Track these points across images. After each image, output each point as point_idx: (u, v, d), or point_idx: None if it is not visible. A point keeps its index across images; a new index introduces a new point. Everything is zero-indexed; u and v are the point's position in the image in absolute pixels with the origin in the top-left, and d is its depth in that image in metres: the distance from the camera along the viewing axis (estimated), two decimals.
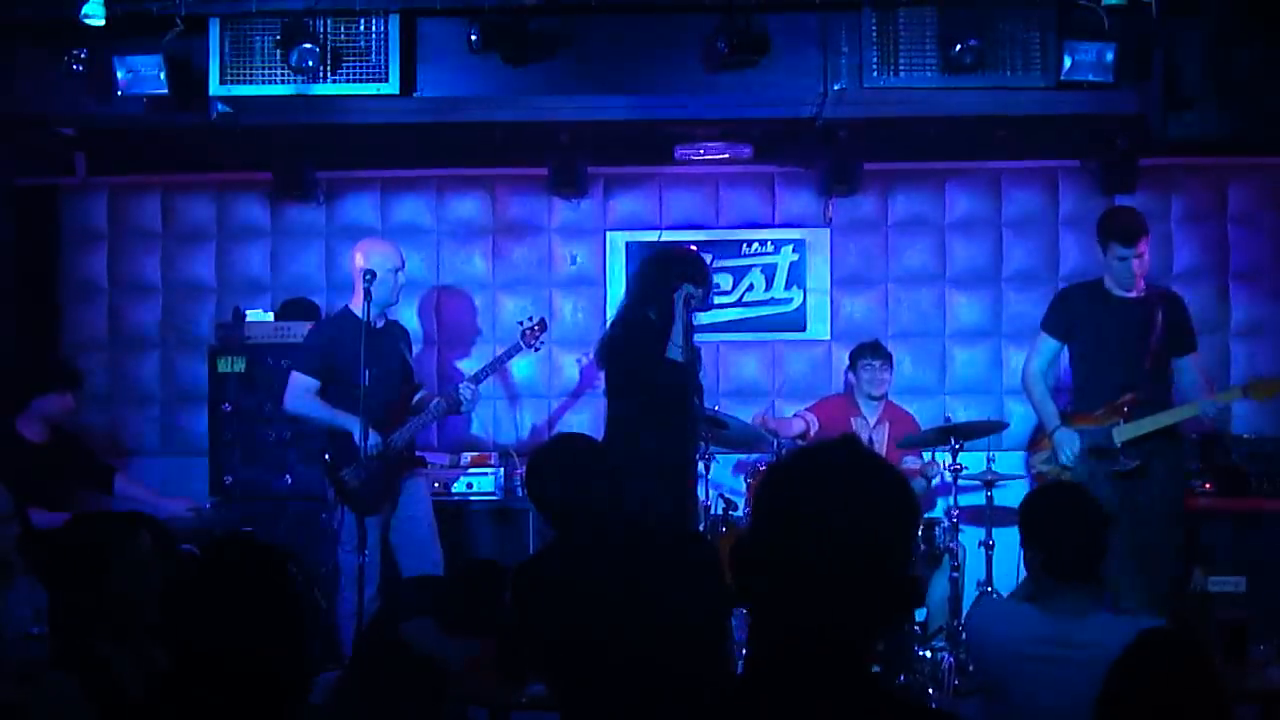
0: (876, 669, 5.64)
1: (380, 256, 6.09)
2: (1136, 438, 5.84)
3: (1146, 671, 2.49)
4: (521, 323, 6.36)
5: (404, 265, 6.24)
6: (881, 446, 6.83)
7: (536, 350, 6.49)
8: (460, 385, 6.20)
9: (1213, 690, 2.51)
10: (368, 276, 5.86)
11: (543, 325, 6.35)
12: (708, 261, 6.45)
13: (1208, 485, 6.64)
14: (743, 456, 7.25)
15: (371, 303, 5.90)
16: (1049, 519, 3.59)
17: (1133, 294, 5.98)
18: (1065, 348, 6.16)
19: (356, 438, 5.82)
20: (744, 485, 6.98)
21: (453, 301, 7.67)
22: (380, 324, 6.10)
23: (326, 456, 5.98)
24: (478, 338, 7.64)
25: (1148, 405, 5.88)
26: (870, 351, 7.04)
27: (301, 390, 6.03)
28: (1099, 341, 6.02)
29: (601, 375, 6.10)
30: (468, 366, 7.33)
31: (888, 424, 6.98)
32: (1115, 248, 5.90)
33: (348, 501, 5.91)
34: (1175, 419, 5.90)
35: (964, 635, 5.11)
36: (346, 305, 6.18)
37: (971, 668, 5.11)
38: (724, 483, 7.11)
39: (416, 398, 6.32)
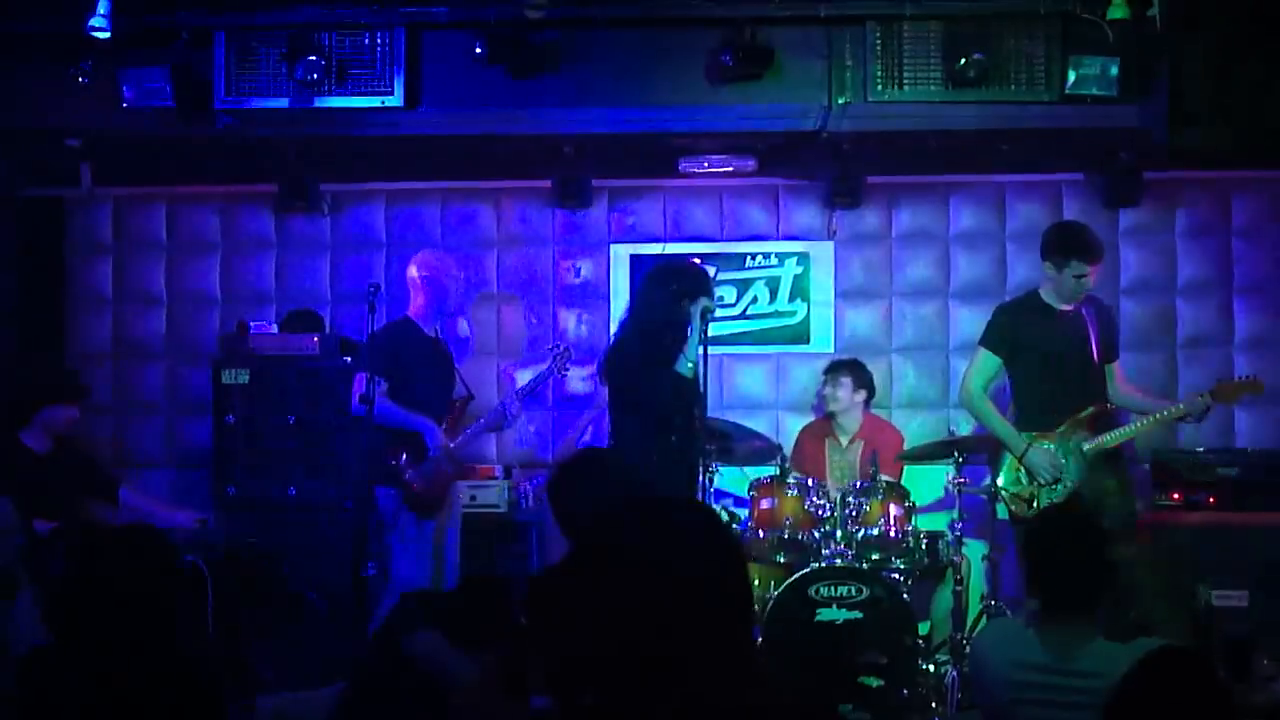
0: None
1: (439, 266, 6.32)
2: (1106, 449, 5.88)
3: (1152, 688, 2.49)
4: (552, 348, 6.56)
5: (462, 274, 6.47)
6: (854, 467, 6.78)
7: (563, 376, 6.73)
8: (506, 401, 6.37)
9: (1219, 705, 2.51)
10: (371, 289, 5.98)
11: (568, 353, 6.56)
12: (711, 274, 6.47)
13: (1210, 499, 6.62)
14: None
15: (435, 311, 6.27)
16: (1049, 553, 3.54)
17: (1069, 306, 5.99)
18: (1003, 364, 6.13)
19: (428, 439, 6.03)
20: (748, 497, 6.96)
21: None
22: (433, 334, 6.32)
23: (395, 459, 6.01)
24: (482, 349, 7.64)
25: (1108, 417, 5.94)
26: (829, 368, 7.06)
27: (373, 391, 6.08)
28: (1045, 355, 6.00)
29: (605, 388, 6.10)
30: (470, 376, 7.34)
31: (862, 442, 6.91)
32: (1076, 264, 5.86)
33: (412, 504, 5.97)
34: (1151, 427, 5.98)
35: (968, 654, 5.09)
36: (405, 314, 6.32)
37: (973, 693, 5.08)
38: (730, 493, 7.09)
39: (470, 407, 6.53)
